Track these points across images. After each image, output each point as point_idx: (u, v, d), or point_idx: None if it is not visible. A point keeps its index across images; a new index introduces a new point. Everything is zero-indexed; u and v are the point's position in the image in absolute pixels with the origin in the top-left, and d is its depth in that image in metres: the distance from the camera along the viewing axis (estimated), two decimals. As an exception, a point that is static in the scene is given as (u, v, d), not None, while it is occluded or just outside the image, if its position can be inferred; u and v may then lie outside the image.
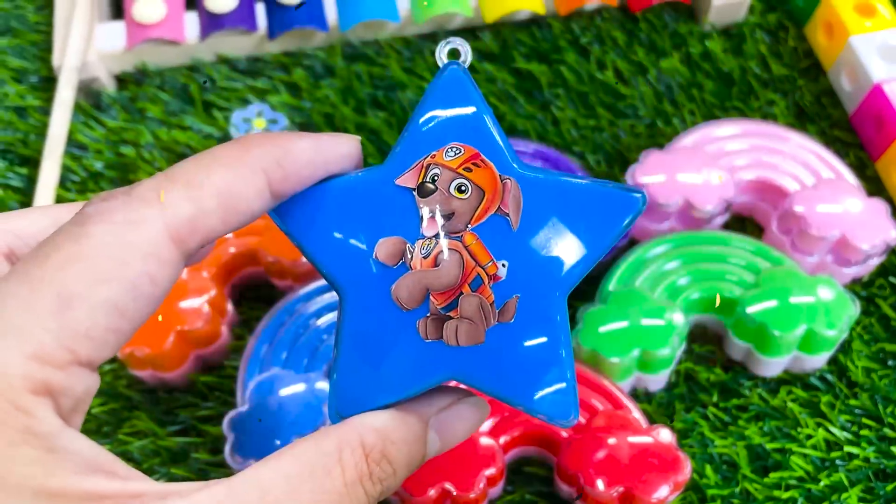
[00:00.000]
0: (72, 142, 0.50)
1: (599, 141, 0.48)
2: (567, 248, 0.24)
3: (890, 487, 0.38)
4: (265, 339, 0.41)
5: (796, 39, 0.52)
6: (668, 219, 0.44)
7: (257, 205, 0.23)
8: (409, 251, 0.24)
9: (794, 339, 0.39)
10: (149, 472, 0.40)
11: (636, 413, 0.38)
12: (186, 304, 0.40)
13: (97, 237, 0.20)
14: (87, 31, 0.51)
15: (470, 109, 0.25)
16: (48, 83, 0.52)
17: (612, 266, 0.42)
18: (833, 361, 0.42)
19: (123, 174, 0.49)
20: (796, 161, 0.44)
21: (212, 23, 0.51)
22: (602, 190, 0.25)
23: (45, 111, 0.51)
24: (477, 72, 0.51)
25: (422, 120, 0.25)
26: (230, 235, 0.43)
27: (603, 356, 0.38)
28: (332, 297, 0.42)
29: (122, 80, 0.52)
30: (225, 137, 0.50)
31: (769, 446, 0.39)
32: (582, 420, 0.38)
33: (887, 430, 0.40)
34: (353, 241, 0.24)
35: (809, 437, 0.40)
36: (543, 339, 0.24)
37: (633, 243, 0.44)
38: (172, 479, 0.40)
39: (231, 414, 0.38)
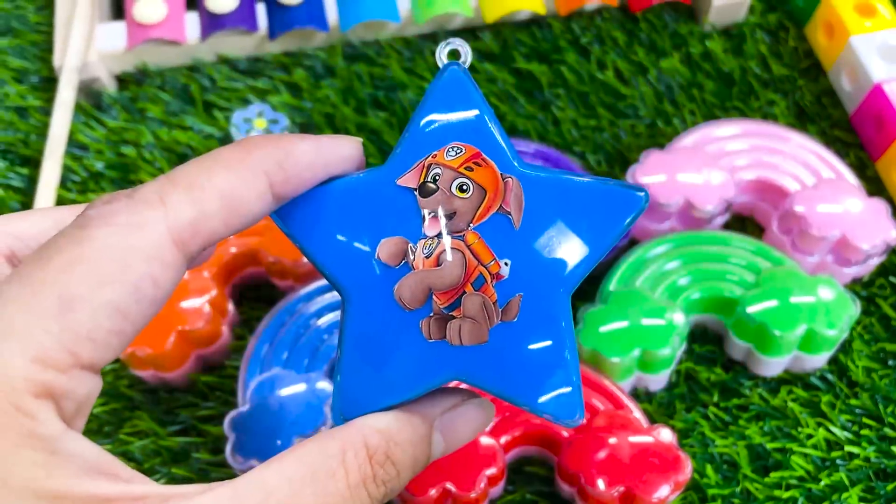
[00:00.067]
0: (72, 142, 0.50)
1: (600, 141, 0.49)
2: (570, 246, 0.24)
3: (890, 487, 0.38)
4: (266, 339, 0.41)
5: (796, 39, 0.52)
6: (668, 219, 0.44)
7: (259, 207, 0.23)
8: (412, 251, 0.24)
9: (795, 339, 0.39)
10: (150, 472, 0.40)
11: (637, 413, 0.38)
12: (187, 303, 0.40)
13: (100, 240, 0.20)
14: (88, 32, 0.51)
15: (470, 109, 0.25)
16: (49, 83, 0.52)
17: (612, 266, 0.42)
18: (833, 361, 0.42)
19: (124, 174, 0.49)
20: (797, 161, 0.44)
21: (212, 23, 0.51)
22: (604, 188, 0.25)
23: (46, 111, 0.51)
24: (477, 72, 0.51)
25: (423, 121, 0.25)
26: (231, 236, 0.43)
27: (604, 356, 0.38)
28: (332, 297, 0.42)
29: (122, 81, 0.52)
30: (226, 138, 0.50)
31: (770, 446, 0.39)
32: (583, 420, 0.38)
33: (888, 430, 0.40)
34: (355, 243, 0.24)
35: (810, 436, 0.40)
36: (548, 340, 0.24)
37: (633, 243, 0.44)
38: (173, 478, 0.40)
39: (232, 414, 0.38)
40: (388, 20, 0.51)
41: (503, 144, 0.25)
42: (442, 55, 0.26)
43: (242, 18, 0.51)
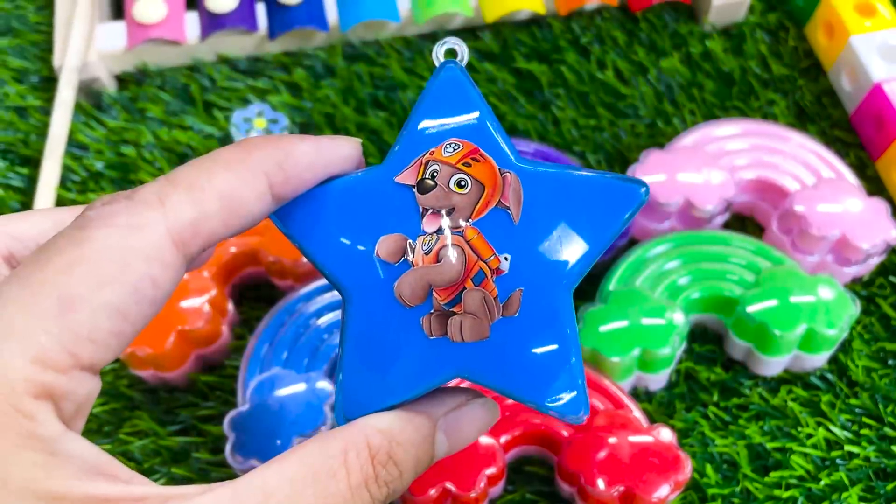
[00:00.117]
0: (72, 142, 0.50)
1: (600, 141, 0.49)
2: (570, 240, 0.24)
3: (890, 486, 0.38)
4: (266, 339, 0.41)
5: (796, 39, 0.52)
6: (668, 218, 0.44)
7: (259, 208, 0.23)
8: (411, 248, 0.24)
9: (795, 339, 0.39)
10: (150, 472, 0.40)
11: (637, 412, 0.38)
12: (187, 303, 0.40)
13: (99, 240, 0.20)
14: (88, 32, 0.51)
15: (468, 106, 0.25)
16: (49, 83, 0.52)
17: (612, 266, 0.42)
18: (833, 361, 0.42)
19: (124, 174, 0.49)
20: (797, 161, 0.44)
21: (212, 23, 0.51)
22: (603, 181, 0.25)
23: (46, 111, 0.51)
24: (477, 72, 0.51)
25: (420, 119, 0.25)
26: (231, 237, 0.43)
27: (603, 356, 0.38)
28: (332, 296, 0.42)
29: (122, 80, 0.52)
30: (225, 137, 0.50)
31: (769, 445, 0.39)
32: (587, 416, 0.38)
33: (887, 430, 0.40)
34: (354, 241, 0.24)
35: (810, 436, 0.40)
36: (550, 333, 0.24)
37: (633, 243, 0.44)
38: (173, 478, 0.40)
39: (232, 413, 0.38)
40: (388, 20, 0.51)
41: (501, 141, 0.25)
42: (439, 54, 0.26)
43: (242, 18, 0.51)
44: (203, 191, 0.21)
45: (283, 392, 0.38)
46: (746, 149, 0.45)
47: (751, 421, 0.40)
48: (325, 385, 0.38)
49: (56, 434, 0.19)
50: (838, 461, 0.39)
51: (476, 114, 0.25)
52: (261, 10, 0.52)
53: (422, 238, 0.24)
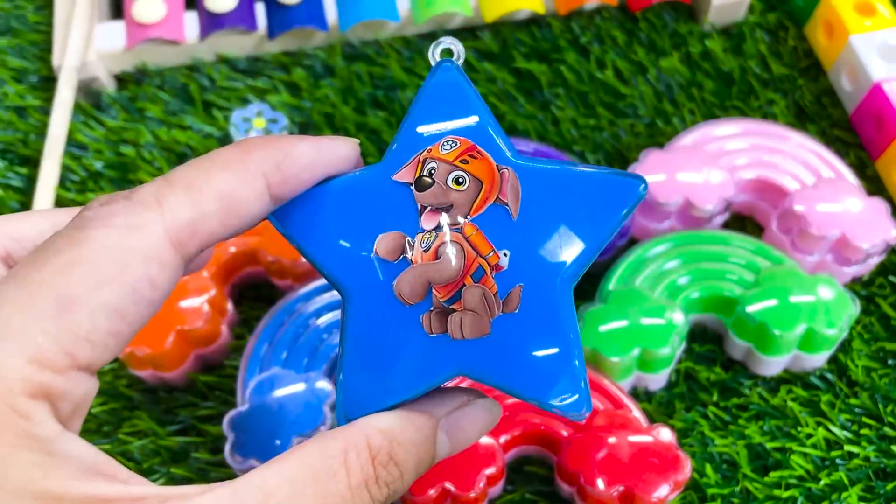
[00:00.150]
0: (72, 141, 0.50)
1: (599, 140, 0.48)
2: (569, 235, 0.24)
3: (890, 486, 0.38)
4: (265, 339, 0.41)
5: (796, 39, 0.52)
6: (668, 218, 0.44)
7: (257, 208, 0.23)
8: (410, 246, 0.24)
9: (794, 339, 0.39)
10: (149, 472, 0.40)
11: (636, 412, 0.38)
12: (186, 303, 0.40)
13: (97, 241, 0.20)
14: (87, 31, 0.51)
15: (465, 104, 0.25)
16: (48, 83, 0.52)
17: (611, 265, 0.42)
18: (833, 360, 0.42)
19: (123, 174, 0.49)
20: (796, 160, 0.44)
21: (211, 22, 0.51)
22: (601, 176, 0.24)
23: (45, 111, 0.51)
24: (477, 71, 0.51)
25: (417, 117, 0.25)
26: (229, 238, 0.43)
27: (603, 355, 0.38)
28: (331, 296, 0.42)
29: (121, 80, 0.52)
30: (225, 137, 0.50)
31: (769, 445, 0.39)
32: (589, 412, 0.38)
33: (887, 429, 0.40)
34: (352, 240, 0.24)
35: (809, 436, 0.40)
36: (551, 331, 0.24)
37: (633, 242, 0.44)
38: (172, 478, 0.40)
39: (231, 413, 0.38)
40: (388, 20, 0.51)
41: (498, 138, 0.25)
42: (434, 54, 0.26)
43: (242, 18, 0.51)
44: (201, 191, 0.21)
45: (282, 392, 0.38)
46: (746, 148, 0.45)
47: (750, 421, 0.40)
48: (324, 385, 0.38)
49: (53, 434, 0.19)
50: (838, 461, 0.39)
51: (473, 111, 0.25)
52: (260, 10, 0.52)
53: (420, 235, 0.24)
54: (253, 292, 0.45)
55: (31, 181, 0.49)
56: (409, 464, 0.23)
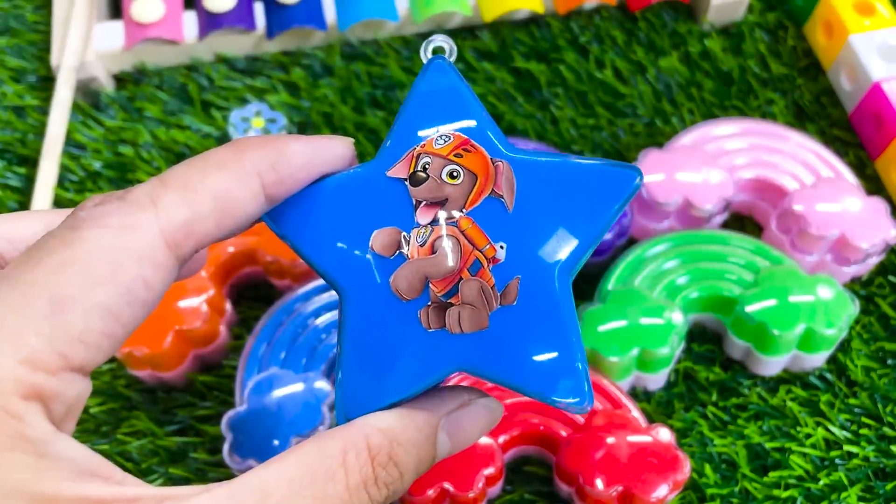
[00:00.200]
0: (70, 141, 0.50)
1: (598, 140, 0.48)
2: (566, 226, 0.24)
3: (889, 486, 0.38)
4: (264, 339, 0.41)
5: (795, 38, 0.52)
6: (667, 218, 0.44)
7: (252, 208, 0.23)
8: (405, 241, 0.24)
9: (794, 338, 0.39)
10: (147, 472, 0.40)
11: (635, 412, 0.38)
12: (185, 303, 0.40)
13: (91, 241, 0.20)
14: (86, 31, 0.51)
15: (457, 99, 0.25)
16: (46, 83, 0.52)
17: (610, 265, 0.42)
18: (832, 360, 0.42)
19: (122, 174, 0.49)
20: (796, 160, 0.44)
21: (210, 22, 0.51)
22: (597, 167, 0.24)
23: (44, 111, 0.51)
24: (476, 71, 0.51)
25: (410, 113, 0.25)
26: (224, 239, 0.43)
27: (602, 355, 0.38)
28: (330, 296, 0.42)
29: (120, 80, 0.52)
30: (223, 137, 0.50)
31: (768, 445, 0.39)
32: (581, 419, 0.38)
33: (887, 429, 0.40)
34: (348, 238, 0.24)
35: (809, 436, 0.40)
36: (550, 320, 0.23)
37: (632, 242, 0.44)
38: (171, 478, 0.40)
39: (229, 413, 0.38)
40: (387, 19, 0.51)
41: (490, 131, 0.25)
42: (427, 52, 0.26)
43: (240, 17, 0.51)
44: (196, 191, 0.21)
45: (281, 392, 0.38)
46: (745, 148, 0.45)
47: (750, 421, 0.40)
48: (323, 385, 0.38)
49: (46, 435, 0.19)
50: (837, 461, 0.39)
51: (465, 106, 0.25)
52: (259, 10, 0.52)
53: (416, 230, 0.24)
54: (251, 292, 0.45)
55: (29, 181, 0.49)
56: (408, 464, 0.23)
